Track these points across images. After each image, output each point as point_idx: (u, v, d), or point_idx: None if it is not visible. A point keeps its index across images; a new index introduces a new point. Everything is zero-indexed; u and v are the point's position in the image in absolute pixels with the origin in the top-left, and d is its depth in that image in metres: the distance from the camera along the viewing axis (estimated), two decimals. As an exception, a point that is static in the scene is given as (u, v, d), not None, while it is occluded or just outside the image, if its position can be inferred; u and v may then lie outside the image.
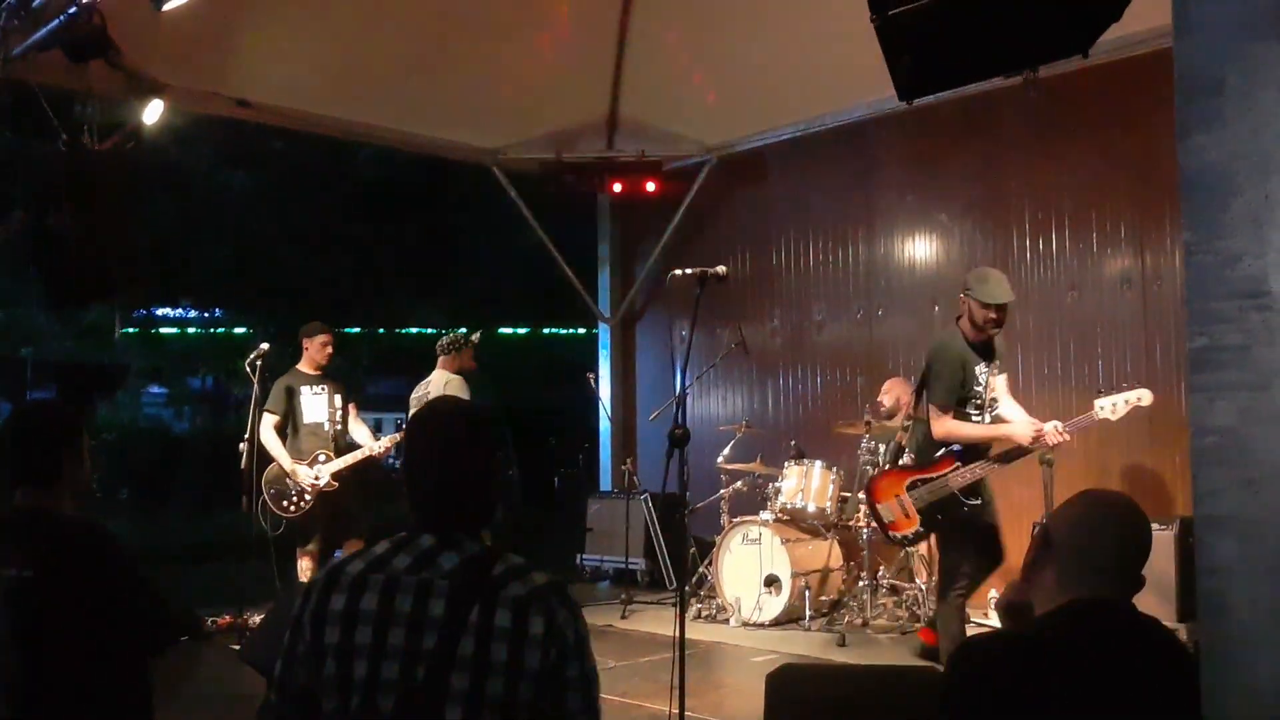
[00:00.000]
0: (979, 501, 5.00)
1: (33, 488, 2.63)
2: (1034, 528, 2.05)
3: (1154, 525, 6.31)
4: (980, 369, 5.08)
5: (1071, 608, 1.82)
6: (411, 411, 6.84)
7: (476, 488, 1.97)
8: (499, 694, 1.79)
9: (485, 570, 1.87)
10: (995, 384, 5.13)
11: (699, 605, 7.28)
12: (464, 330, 7.72)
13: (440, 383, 7.28)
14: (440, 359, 7.44)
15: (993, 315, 5.02)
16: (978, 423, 5.06)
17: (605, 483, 9.95)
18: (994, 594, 6.59)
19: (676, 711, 3.78)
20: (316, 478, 6.61)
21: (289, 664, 1.90)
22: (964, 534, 5.07)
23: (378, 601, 1.85)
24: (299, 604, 1.93)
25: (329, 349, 6.89)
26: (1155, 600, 5.14)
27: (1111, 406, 4.92)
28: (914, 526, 5.13)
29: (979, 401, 5.08)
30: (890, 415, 7.37)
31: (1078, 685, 1.73)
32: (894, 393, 7.45)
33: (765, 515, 7.12)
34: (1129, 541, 1.90)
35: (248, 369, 6.79)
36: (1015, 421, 5.10)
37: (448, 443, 2.00)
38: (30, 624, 2.49)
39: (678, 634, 3.92)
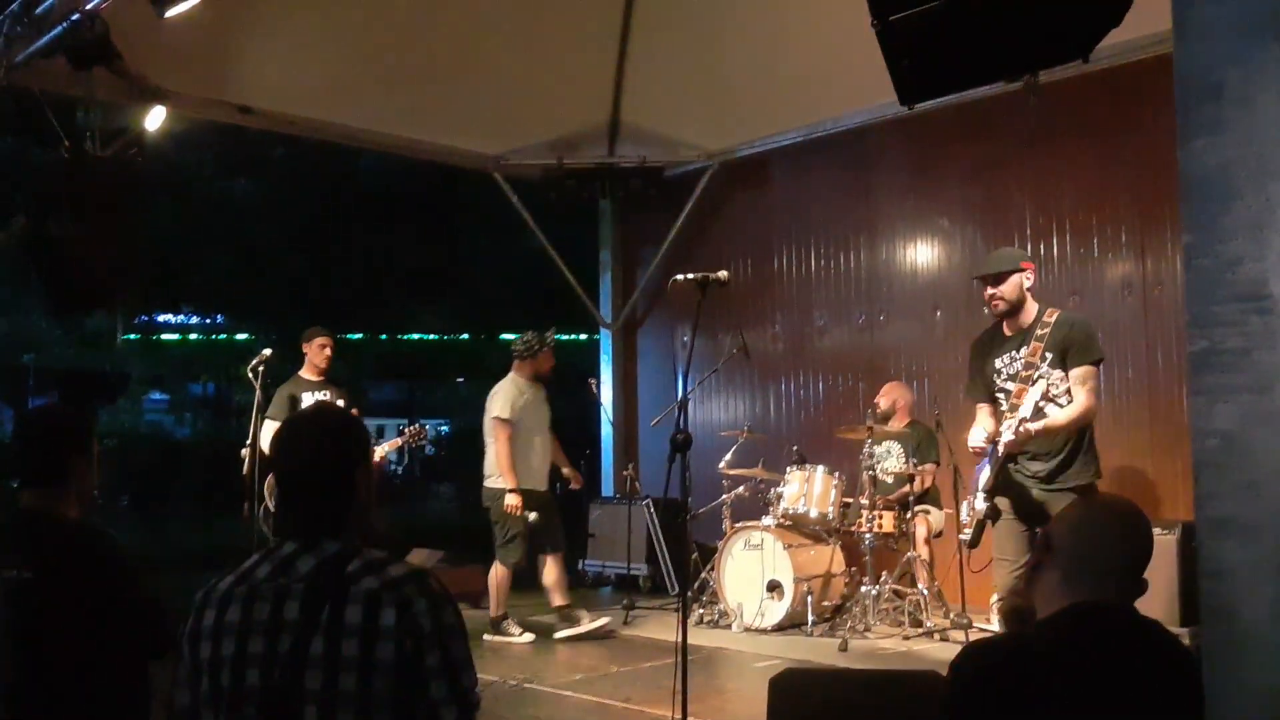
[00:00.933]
0: (990, 505, 4.69)
1: (37, 490, 2.64)
2: (1035, 533, 2.06)
3: (1155, 530, 6.33)
4: (1003, 360, 4.77)
5: (1073, 611, 1.82)
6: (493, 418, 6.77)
7: (333, 491, 1.98)
8: (352, 689, 1.81)
9: (340, 568, 1.89)
10: (1041, 378, 4.62)
11: (701, 610, 7.26)
12: (538, 332, 7.05)
13: (503, 388, 6.88)
14: (515, 363, 6.96)
15: (986, 293, 4.78)
16: (1005, 420, 4.70)
17: (607, 488, 9.95)
18: (995, 598, 6.59)
19: (679, 717, 3.78)
20: (318, 483, 6.61)
21: (175, 686, 1.95)
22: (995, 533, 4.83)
23: (239, 612, 1.89)
24: (181, 626, 1.98)
25: (328, 351, 6.90)
26: (1157, 605, 5.12)
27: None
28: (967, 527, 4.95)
29: (1003, 394, 4.76)
30: (886, 418, 7.37)
31: (1080, 688, 1.73)
32: (891, 396, 7.46)
33: (767, 520, 7.11)
34: (1131, 546, 1.90)
35: (250, 375, 6.79)
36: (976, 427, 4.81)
37: (304, 450, 2.03)
38: (29, 625, 2.49)
39: (680, 639, 3.92)
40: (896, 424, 7.36)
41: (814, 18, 6.76)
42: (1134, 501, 2.02)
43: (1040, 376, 4.64)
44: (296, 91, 7.56)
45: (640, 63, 8.00)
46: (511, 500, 6.63)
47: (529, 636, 6.70)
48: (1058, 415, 4.62)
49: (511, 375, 6.94)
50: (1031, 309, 4.79)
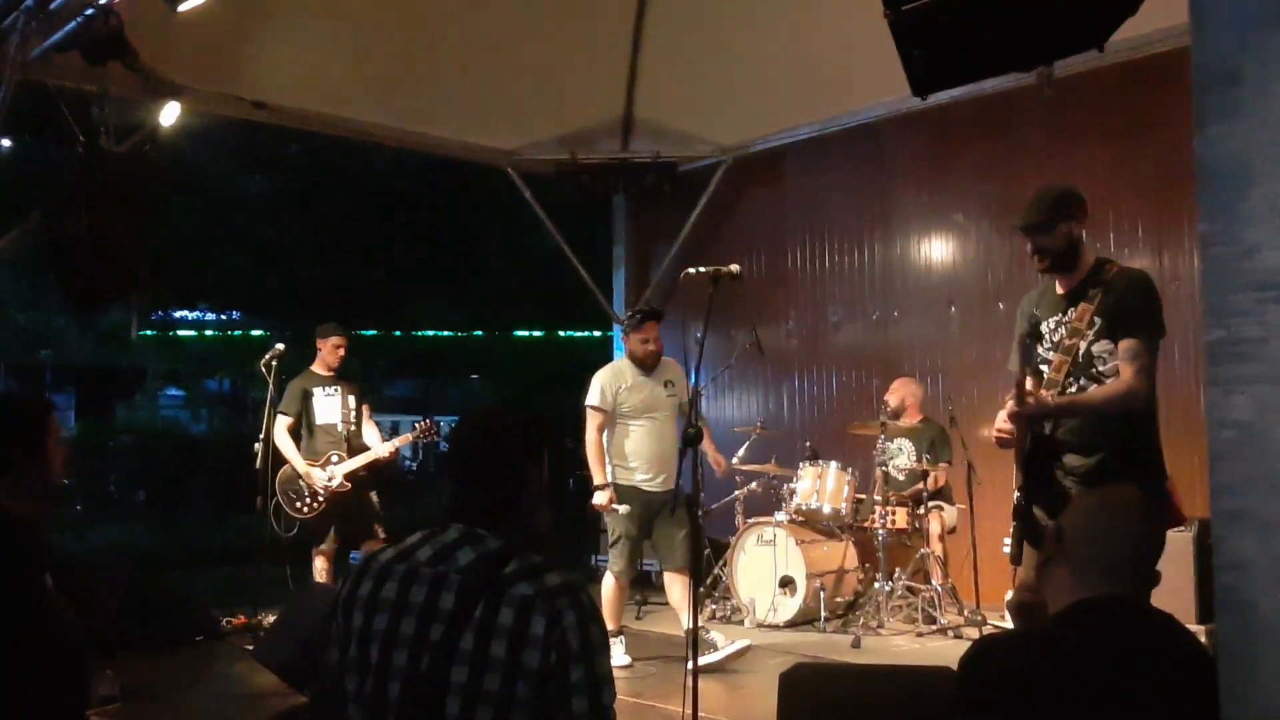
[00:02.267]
0: (1023, 511, 3.78)
1: None
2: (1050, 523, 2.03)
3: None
4: (1049, 325, 3.86)
5: (1084, 606, 1.80)
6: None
7: (498, 487, 2.05)
8: (495, 690, 1.84)
9: (498, 567, 1.92)
10: (1086, 337, 3.73)
11: (714, 606, 7.26)
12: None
13: (600, 373, 6.21)
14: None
15: (1028, 247, 3.90)
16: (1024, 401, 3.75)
17: (620, 484, 9.92)
18: (1009, 595, 6.55)
19: (690, 712, 3.77)
20: (330, 479, 6.63)
21: (326, 644, 2.02)
22: None
23: (396, 590, 1.94)
24: (340, 587, 2.04)
25: (341, 351, 6.90)
26: (1173, 601, 5.08)
27: None
28: None
29: (1045, 366, 3.83)
30: (896, 415, 7.34)
31: (1094, 684, 1.71)
32: (900, 393, 7.43)
33: (780, 516, 7.10)
34: (1141, 539, 1.88)
35: (263, 370, 6.82)
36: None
37: (475, 441, 2.12)
38: None
39: (691, 634, 3.91)
40: (908, 420, 7.33)
41: (828, 11, 6.72)
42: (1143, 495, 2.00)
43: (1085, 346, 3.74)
44: (310, 87, 7.57)
45: (654, 57, 7.97)
46: (598, 498, 6.02)
47: (626, 659, 5.92)
48: (1090, 392, 3.74)
49: (622, 358, 6.30)
50: (1088, 262, 3.85)
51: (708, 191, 9.30)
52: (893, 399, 7.34)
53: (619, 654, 5.81)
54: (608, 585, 5.99)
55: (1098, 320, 3.72)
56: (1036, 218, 3.84)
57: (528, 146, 9.18)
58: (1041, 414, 3.73)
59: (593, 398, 6.03)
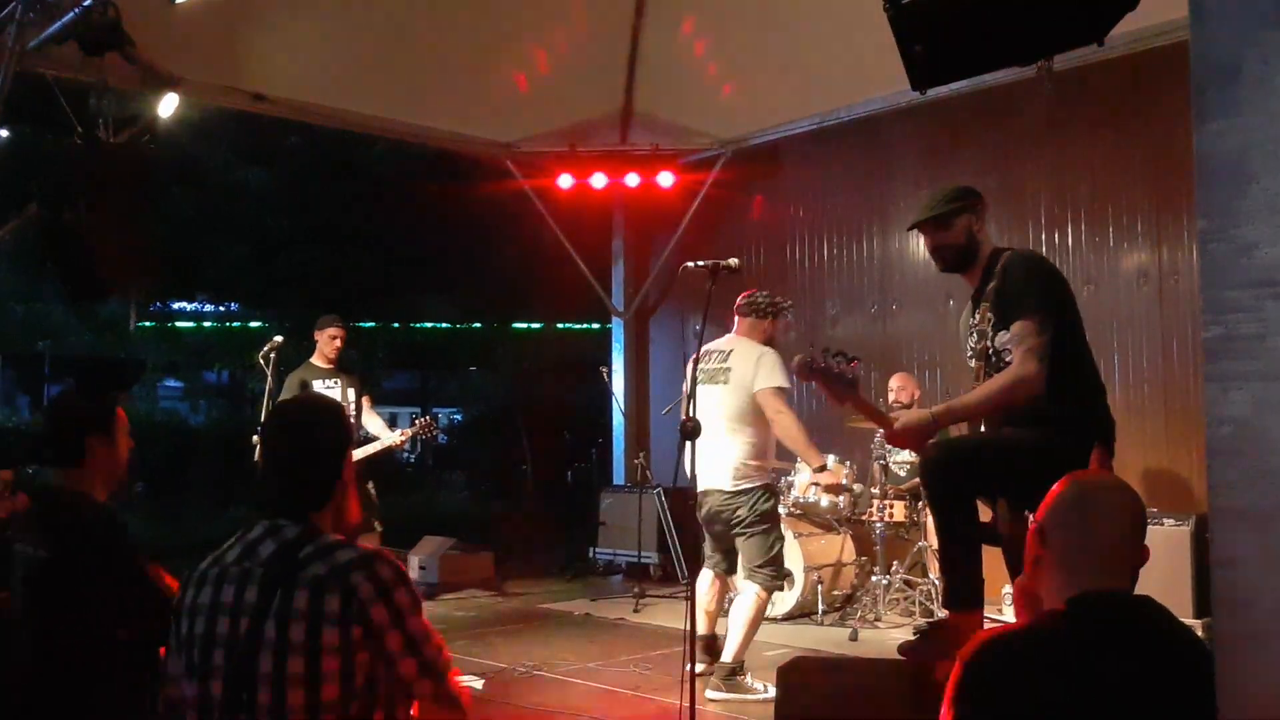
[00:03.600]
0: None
1: (60, 470, 2.72)
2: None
3: (1170, 521, 6.28)
4: (969, 332, 3.65)
5: (1081, 602, 1.79)
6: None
7: (297, 475, 2.09)
8: (301, 673, 1.89)
9: (295, 553, 1.96)
10: (990, 335, 3.50)
11: (712, 599, 7.26)
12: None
13: (768, 352, 5.37)
14: (753, 321, 5.56)
15: (927, 246, 3.71)
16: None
17: (618, 476, 9.95)
18: (1007, 589, 6.56)
19: (688, 704, 3.78)
20: (330, 470, 6.62)
21: (167, 654, 2.07)
22: None
23: (210, 593, 1.99)
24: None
25: (338, 342, 6.90)
26: (1171, 596, 5.09)
27: None
28: None
29: (971, 362, 3.63)
30: (907, 409, 7.32)
31: (1090, 682, 1.71)
32: (909, 388, 7.42)
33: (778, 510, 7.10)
34: (1121, 520, 1.88)
35: (261, 361, 6.82)
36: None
37: (271, 434, 2.20)
38: (42, 605, 2.54)
39: (688, 627, 3.92)
40: (905, 414, 7.32)
41: (828, 4, 6.72)
42: (1119, 476, 1.99)
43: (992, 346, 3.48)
44: (309, 79, 7.56)
45: (653, 50, 7.97)
46: (827, 476, 5.62)
47: (771, 693, 4.50)
48: (971, 393, 3.51)
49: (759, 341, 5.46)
50: (984, 256, 3.63)
51: (707, 184, 9.29)
52: (903, 395, 7.30)
53: (760, 687, 5.10)
54: (763, 603, 5.24)
55: (991, 314, 3.50)
56: (935, 211, 3.65)
57: (527, 139, 9.17)
58: (922, 428, 3.52)
59: (783, 378, 5.21)
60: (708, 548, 5.41)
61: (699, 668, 4.70)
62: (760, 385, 5.19)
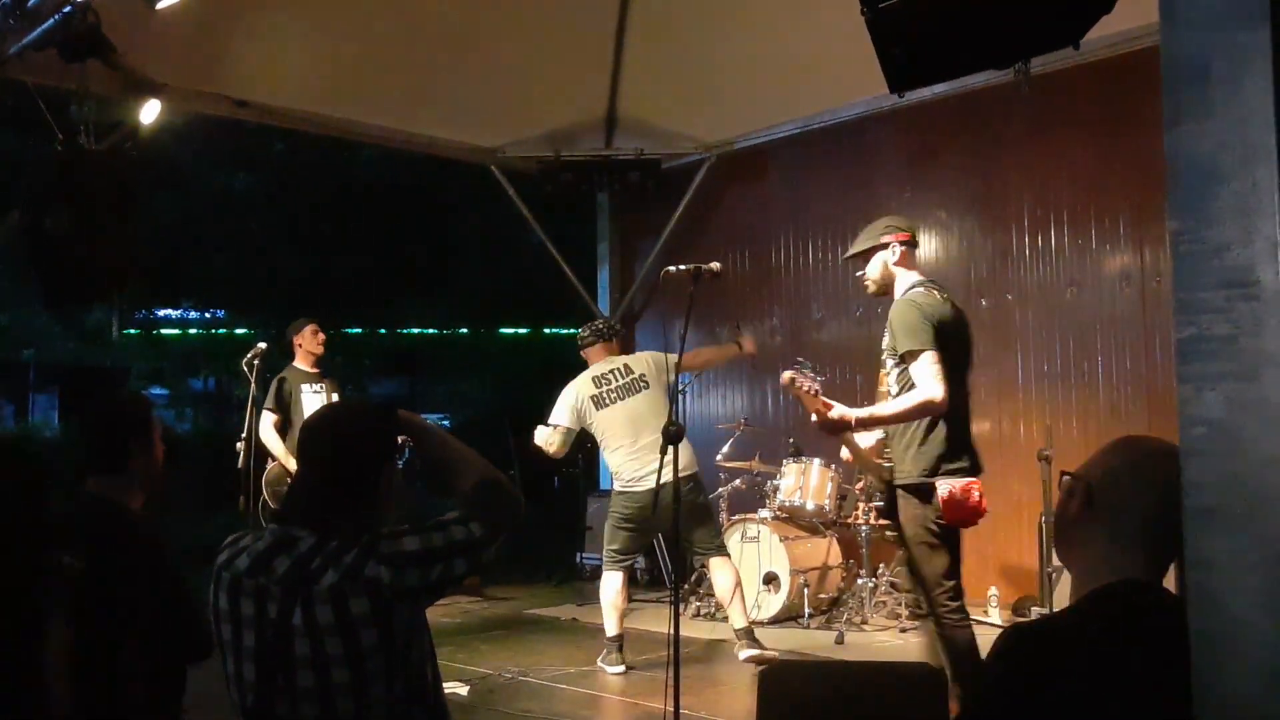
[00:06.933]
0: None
1: (100, 477, 2.68)
2: (1062, 477, 1.79)
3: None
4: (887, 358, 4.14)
5: (1125, 592, 1.70)
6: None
7: (319, 485, 2.05)
8: (347, 680, 1.86)
9: (306, 568, 1.91)
10: (890, 367, 4.09)
11: (698, 603, 7.27)
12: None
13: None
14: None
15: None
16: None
17: (605, 481, 9.92)
18: (993, 590, 6.58)
19: (672, 709, 3.77)
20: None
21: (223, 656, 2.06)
22: None
23: (227, 601, 1.97)
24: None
25: (321, 335, 6.91)
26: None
27: None
28: None
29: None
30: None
31: (1135, 682, 1.64)
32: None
33: (764, 513, 7.11)
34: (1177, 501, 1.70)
35: (245, 368, 6.80)
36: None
37: (303, 445, 2.15)
38: (77, 612, 2.50)
39: (672, 631, 3.92)
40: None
41: (810, 8, 6.73)
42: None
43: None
44: (292, 85, 7.54)
45: (637, 55, 7.97)
46: (748, 344, 6.06)
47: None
48: (887, 403, 4.03)
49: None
50: (904, 288, 4.11)
51: (691, 189, 9.30)
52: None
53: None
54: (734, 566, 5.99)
55: (889, 360, 4.05)
56: (856, 248, 4.24)
57: (511, 144, 9.17)
58: (843, 427, 3.98)
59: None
60: (626, 548, 5.90)
61: (620, 669, 5.59)
62: (669, 366, 5.50)
